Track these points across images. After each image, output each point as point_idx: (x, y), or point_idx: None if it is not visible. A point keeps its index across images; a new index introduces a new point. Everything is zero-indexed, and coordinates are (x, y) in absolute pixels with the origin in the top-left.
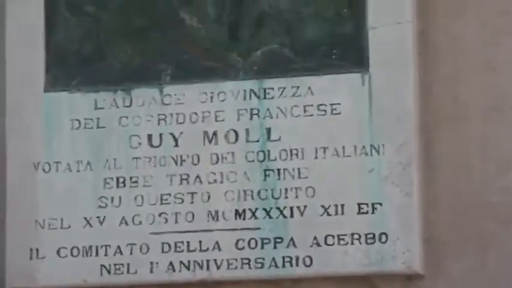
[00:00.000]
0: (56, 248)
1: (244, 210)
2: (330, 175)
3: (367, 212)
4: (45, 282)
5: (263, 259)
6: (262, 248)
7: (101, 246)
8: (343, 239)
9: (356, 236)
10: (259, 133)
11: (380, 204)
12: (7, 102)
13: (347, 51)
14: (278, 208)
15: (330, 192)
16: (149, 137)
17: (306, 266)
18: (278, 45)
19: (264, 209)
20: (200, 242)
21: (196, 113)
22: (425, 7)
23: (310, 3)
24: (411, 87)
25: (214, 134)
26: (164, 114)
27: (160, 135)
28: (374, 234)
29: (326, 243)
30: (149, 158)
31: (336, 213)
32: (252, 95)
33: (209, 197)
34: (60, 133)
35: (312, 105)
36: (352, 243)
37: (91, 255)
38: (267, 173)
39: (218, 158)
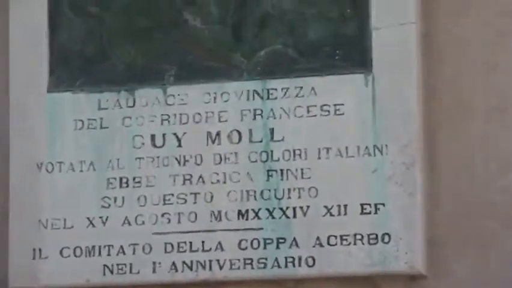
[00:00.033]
0: (59, 248)
1: (247, 211)
2: (333, 175)
3: (370, 213)
4: (48, 282)
5: (266, 259)
6: (265, 248)
7: (104, 246)
8: (346, 240)
9: (358, 237)
10: (263, 133)
11: (383, 204)
12: (11, 103)
13: (350, 52)
14: (281, 208)
15: (333, 192)
16: (153, 137)
17: (309, 266)
18: (281, 45)
19: (267, 209)
20: (203, 242)
21: (199, 114)
22: (428, 8)
23: (314, 4)
24: (414, 88)
25: (218, 134)
26: (167, 115)
27: (163, 135)
28: (376, 235)
29: (328, 243)
30: (153, 158)
31: (339, 214)
32: (256, 95)
33: (212, 197)
34: (63, 133)
35: (315, 106)
36: (355, 244)
37: (93, 255)
38: (270, 173)
39: (221, 158)
